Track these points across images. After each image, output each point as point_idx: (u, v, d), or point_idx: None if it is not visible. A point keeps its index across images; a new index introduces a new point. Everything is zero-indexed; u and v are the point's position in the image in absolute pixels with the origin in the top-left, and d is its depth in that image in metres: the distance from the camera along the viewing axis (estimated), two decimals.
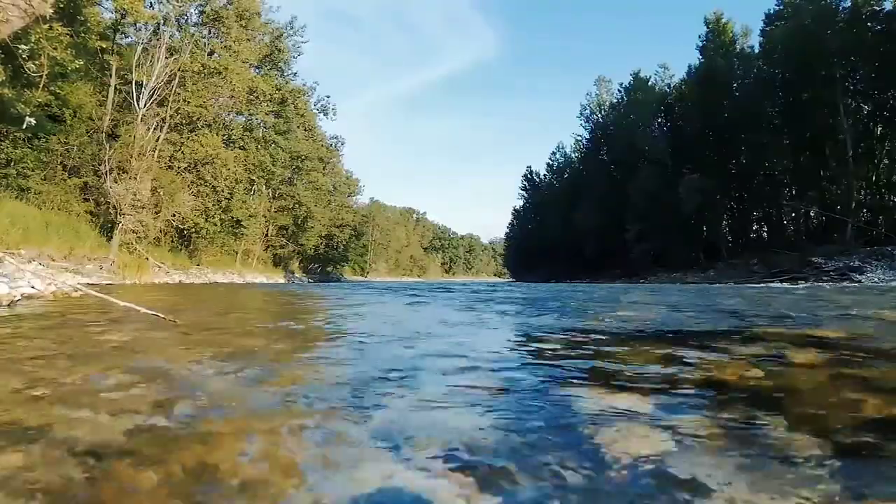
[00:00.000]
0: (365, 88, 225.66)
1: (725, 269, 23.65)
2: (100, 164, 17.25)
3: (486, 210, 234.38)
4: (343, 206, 43.93)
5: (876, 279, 14.58)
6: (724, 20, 31.00)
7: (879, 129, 24.31)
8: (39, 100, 14.28)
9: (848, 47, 22.27)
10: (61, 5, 12.38)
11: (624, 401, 1.26)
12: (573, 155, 50.40)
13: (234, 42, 23.83)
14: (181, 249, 22.23)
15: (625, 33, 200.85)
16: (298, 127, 33.90)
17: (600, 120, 43.59)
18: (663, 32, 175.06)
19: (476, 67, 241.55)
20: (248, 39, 25.03)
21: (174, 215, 19.30)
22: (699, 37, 31.95)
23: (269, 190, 31.76)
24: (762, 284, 15.02)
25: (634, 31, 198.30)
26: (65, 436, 0.98)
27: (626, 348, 2.26)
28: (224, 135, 24.41)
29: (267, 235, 32.24)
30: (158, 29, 19.99)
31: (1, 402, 1.23)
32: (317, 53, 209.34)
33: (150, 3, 19.54)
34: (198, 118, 22.18)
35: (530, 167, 59.69)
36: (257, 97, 25.90)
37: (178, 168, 21.02)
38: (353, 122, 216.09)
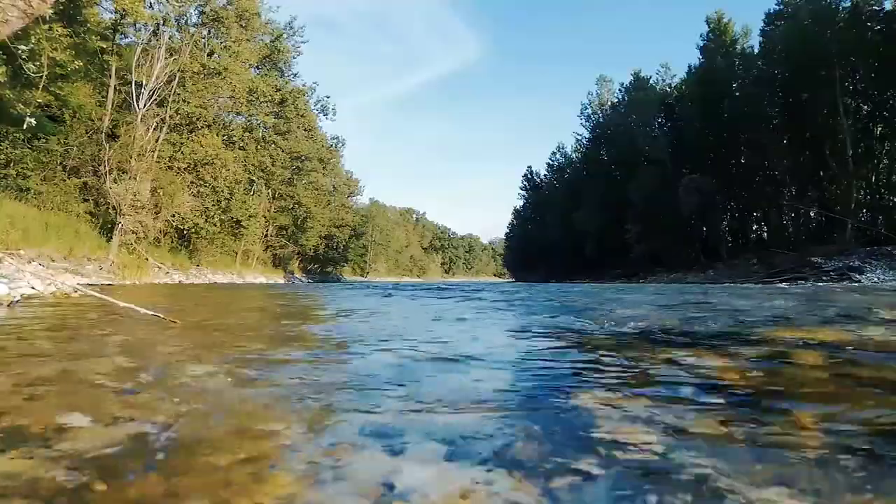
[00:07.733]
0: (356, 91, 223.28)
1: (725, 269, 23.65)
2: (99, 165, 17.27)
3: (486, 210, 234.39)
4: (343, 207, 43.95)
5: (876, 279, 14.58)
6: (725, 20, 30.98)
7: (879, 129, 24.29)
8: (39, 100, 14.28)
9: (848, 47, 22.27)
10: (61, 5, 12.40)
11: (623, 400, 1.26)
12: (573, 155, 50.35)
13: (234, 42, 23.85)
14: (181, 250, 22.24)
15: (625, 32, 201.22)
16: (298, 127, 33.88)
17: (601, 119, 43.57)
18: (664, 32, 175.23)
19: (477, 67, 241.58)
20: (247, 40, 25.06)
21: (174, 216, 19.31)
22: (700, 36, 31.94)
23: (269, 190, 31.76)
24: (762, 284, 15.02)
25: (635, 30, 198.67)
26: (64, 438, 0.97)
27: (625, 348, 2.25)
28: (224, 135, 24.42)
29: (267, 236, 32.23)
30: (158, 29, 20.01)
31: None
32: (303, 57, 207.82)
33: (150, 3, 19.55)
34: (198, 118, 22.21)
35: (530, 167, 59.83)
36: (257, 98, 25.92)
37: (178, 168, 21.02)
38: (353, 122, 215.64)
